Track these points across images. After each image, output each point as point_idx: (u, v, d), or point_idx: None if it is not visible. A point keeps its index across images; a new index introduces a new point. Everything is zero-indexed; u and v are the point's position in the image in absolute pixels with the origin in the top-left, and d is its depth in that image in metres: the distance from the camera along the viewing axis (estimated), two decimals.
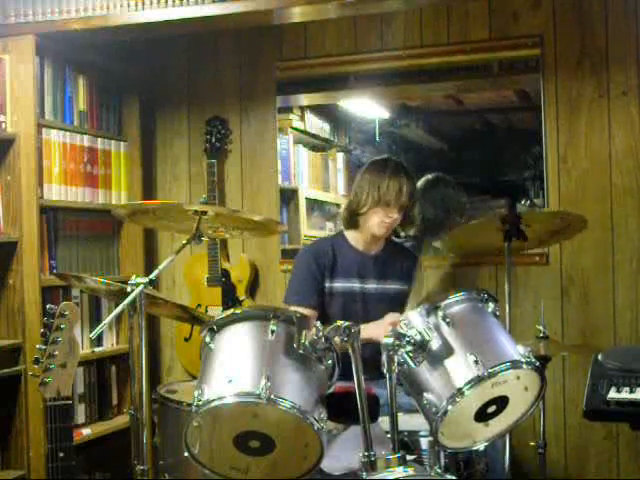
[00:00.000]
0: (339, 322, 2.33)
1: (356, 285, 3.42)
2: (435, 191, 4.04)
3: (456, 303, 2.48)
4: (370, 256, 3.47)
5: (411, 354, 2.38)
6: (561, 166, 3.85)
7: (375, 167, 3.42)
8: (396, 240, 3.67)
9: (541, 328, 3.14)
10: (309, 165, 4.34)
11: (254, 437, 2.33)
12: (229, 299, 4.16)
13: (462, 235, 3.64)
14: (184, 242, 2.81)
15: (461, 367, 2.35)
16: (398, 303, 3.29)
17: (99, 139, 4.09)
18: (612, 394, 2.75)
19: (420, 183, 3.97)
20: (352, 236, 3.48)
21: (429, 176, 4.05)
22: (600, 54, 3.78)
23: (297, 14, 3.67)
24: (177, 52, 4.41)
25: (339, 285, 3.41)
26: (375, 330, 2.99)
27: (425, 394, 2.39)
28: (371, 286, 3.43)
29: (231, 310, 2.49)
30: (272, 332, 2.37)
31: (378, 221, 3.35)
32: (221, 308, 4.11)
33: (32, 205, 3.60)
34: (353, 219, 3.42)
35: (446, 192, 4.07)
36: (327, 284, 3.40)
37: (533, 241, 3.41)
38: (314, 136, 4.37)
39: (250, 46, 4.29)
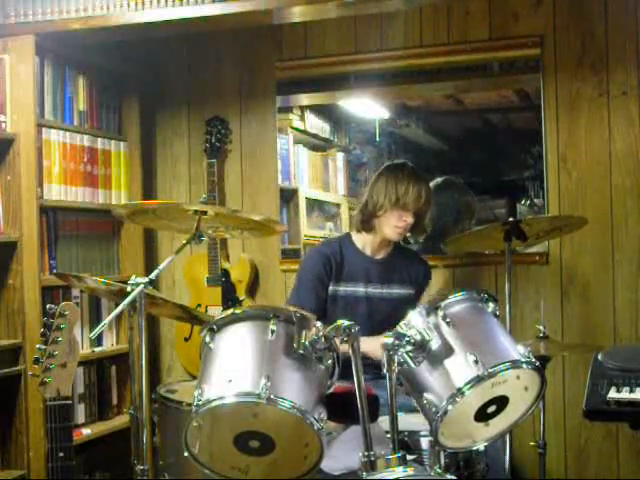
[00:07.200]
0: (339, 322, 2.34)
1: (360, 289, 3.42)
2: (444, 195, 4.02)
3: (456, 303, 2.48)
4: (376, 260, 3.47)
5: (411, 354, 2.38)
6: (561, 166, 3.85)
7: (393, 170, 3.42)
8: (405, 245, 3.68)
9: (541, 328, 3.14)
10: (309, 165, 4.34)
11: (254, 437, 2.33)
12: (229, 299, 4.16)
13: (463, 239, 3.70)
14: (184, 242, 2.81)
15: (461, 367, 2.35)
16: (402, 307, 3.27)
17: (99, 139, 4.09)
18: (612, 394, 2.74)
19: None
20: (360, 240, 3.47)
21: (438, 180, 4.03)
22: (600, 54, 3.78)
23: (297, 14, 3.68)
24: (177, 52, 4.41)
25: (343, 289, 3.41)
26: (370, 344, 2.87)
27: (425, 394, 2.38)
28: (375, 290, 3.43)
29: (231, 310, 2.48)
30: (272, 332, 2.36)
31: (393, 224, 3.35)
32: (221, 308, 4.11)
33: (32, 205, 3.60)
34: (368, 222, 3.41)
35: (455, 196, 4.06)
36: (331, 287, 3.40)
37: (532, 236, 3.41)
38: (314, 136, 4.36)
39: (250, 46, 4.29)
